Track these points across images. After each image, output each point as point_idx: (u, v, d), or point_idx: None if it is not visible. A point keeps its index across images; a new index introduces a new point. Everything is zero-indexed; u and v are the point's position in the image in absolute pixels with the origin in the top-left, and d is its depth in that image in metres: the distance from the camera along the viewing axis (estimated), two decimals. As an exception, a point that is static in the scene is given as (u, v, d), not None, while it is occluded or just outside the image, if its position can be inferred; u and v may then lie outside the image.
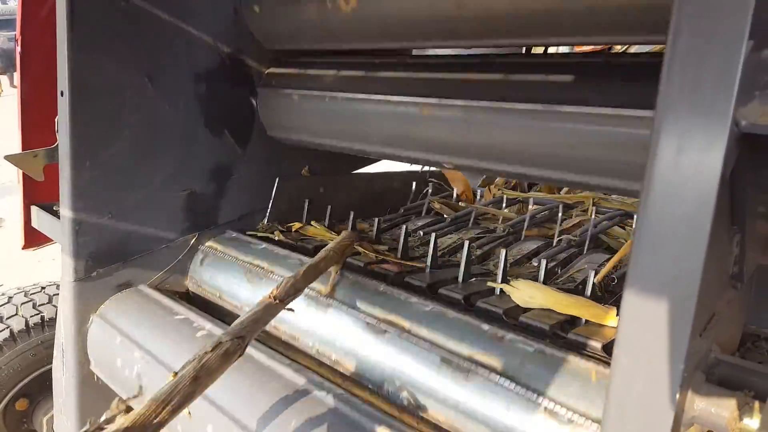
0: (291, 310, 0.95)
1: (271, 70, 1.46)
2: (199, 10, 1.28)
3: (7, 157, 1.23)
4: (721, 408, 0.56)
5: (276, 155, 1.52)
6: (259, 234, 1.43)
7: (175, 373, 0.75)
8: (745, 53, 0.43)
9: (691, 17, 0.43)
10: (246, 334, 0.84)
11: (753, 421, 0.56)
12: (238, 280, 1.23)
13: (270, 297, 0.93)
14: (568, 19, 0.81)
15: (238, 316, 1.20)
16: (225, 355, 0.79)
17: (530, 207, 1.76)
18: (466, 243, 1.13)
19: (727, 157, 0.40)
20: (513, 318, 0.95)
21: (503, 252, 1.06)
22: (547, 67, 0.97)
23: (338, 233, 1.47)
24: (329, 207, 1.53)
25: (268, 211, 1.50)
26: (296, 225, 1.50)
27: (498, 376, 0.83)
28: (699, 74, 0.41)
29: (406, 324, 0.97)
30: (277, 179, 1.51)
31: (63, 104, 1.14)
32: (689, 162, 0.40)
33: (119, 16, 1.17)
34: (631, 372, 0.48)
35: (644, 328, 0.46)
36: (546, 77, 0.94)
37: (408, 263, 1.20)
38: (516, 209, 1.79)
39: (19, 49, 1.36)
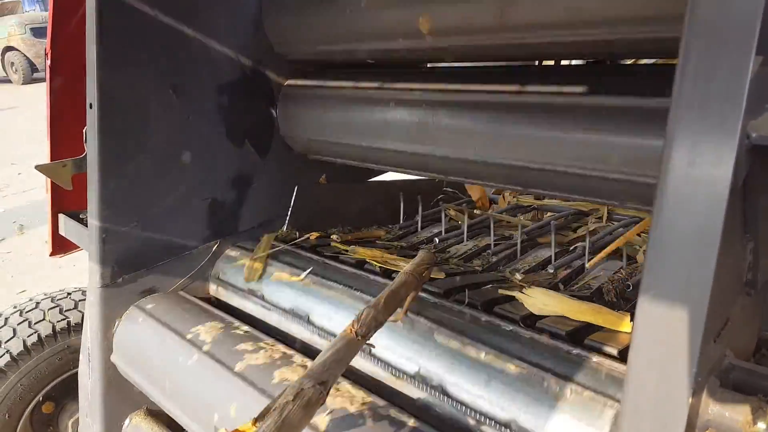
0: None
1: (290, 81, 1.50)
2: (221, 26, 1.32)
3: (38, 167, 1.27)
4: (735, 412, 0.57)
5: (294, 164, 1.55)
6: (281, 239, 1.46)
7: (255, 421, 0.70)
8: (753, 69, 0.45)
9: (700, 35, 0.45)
10: (328, 378, 0.76)
11: (767, 426, 0.57)
12: (257, 286, 1.26)
13: (350, 332, 0.83)
14: (587, 36, 0.84)
15: (261, 321, 1.24)
16: (307, 405, 0.71)
17: (546, 215, 1.78)
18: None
19: (737, 168, 0.42)
20: (530, 324, 0.97)
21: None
22: (562, 78, 0.99)
23: (353, 241, 1.50)
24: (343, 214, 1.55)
25: (288, 218, 1.54)
26: (314, 235, 1.53)
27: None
28: (708, 90, 0.42)
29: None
30: (295, 187, 1.54)
31: (92, 116, 1.18)
32: (700, 174, 0.42)
33: (146, 32, 1.21)
34: (646, 376, 0.50)
35: (658, 333, 0.48)
36: (561, 89, 0.96)
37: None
38: (531, 216, 1.80)
39: (48, 62, 1.41)
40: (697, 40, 0.44)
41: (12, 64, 13.20)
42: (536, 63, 1.23)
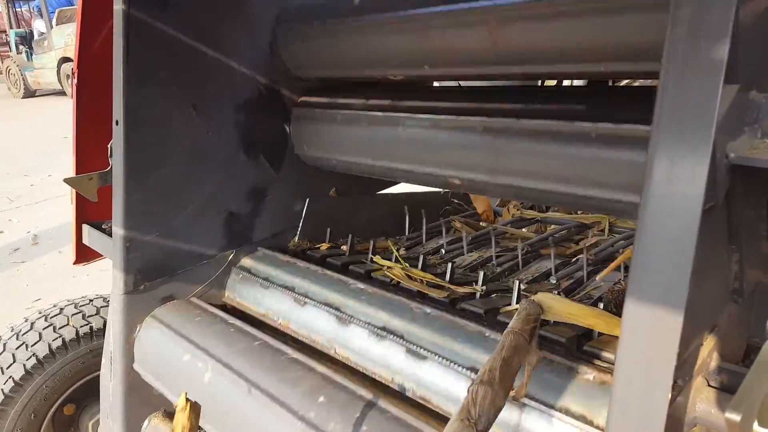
0: None
1: (303, 98, 1.57)
2: (239, 46, 1.39)
3: (66, 180, 1.34)
4: (720, 409, 0.62)
5: (306, 177, 1.62)
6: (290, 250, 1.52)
7: None
8: (724, 96, 0.50)
9: (676, 65, 0.51)
10: None
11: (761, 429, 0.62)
12: (273, 294, 1.32)
13: (467, 422, 0.64)
14: (581, 57, 0.90)
15: (272, 327, 1.30)
16: None
17: (549, 227, 1.83)
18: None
19: (710, 185, 0.47)
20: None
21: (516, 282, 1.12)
22: (561, 98, 1.05)
23: (366, 249, 1.55)
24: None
25: (299, 229, 1.60)
26: (324, 246, 1.59)
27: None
28: (683, 115, 0.48)
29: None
30: (307, 200, 1.61)
31: (117, 132, 1.25)
32: (677, 191, 0.48)
33: (169, 53, 1.29)
34: (631, 373, 0.55)
35: (642, 335, 0.53)
36: (560, 107, 1.02)
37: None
38: (534, 229, 1.86)
39: (75, 81, 1.49)
40: (673, 70, 0.50)
41: (68, 76, 12.52)
42: (540, 84, 1.29)
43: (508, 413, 0.88)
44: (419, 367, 1.02)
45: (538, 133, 1.03)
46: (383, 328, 1.10)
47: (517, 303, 1.12)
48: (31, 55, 13.16)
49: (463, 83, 1.45)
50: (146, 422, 1.31)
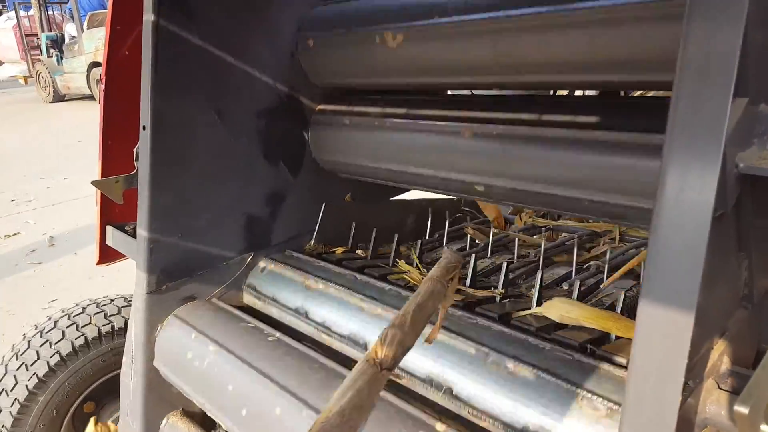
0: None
1: (322, 106, 1.61)
2: (261, 55, 1.44)
3: (94, 182, 1.39)
4: (729, 411, 0.64)
5: (323, 183, 1.66)
6: (308, 252, 1.56)
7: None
8: (733, 109, 0.53)
9: (689, 78, 0.54)
10: None
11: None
12: (292, 295, 1.36)
13: (372, 361, 0.67)
14: (592, 68, 0.93)
15: (290, 327, 1.33)
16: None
17: (561, 235, 1.85)
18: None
19: (720, 194, 0.50)
20: (546, 335, 1.04)
21: (539, 274, 1.15)
22: (575, 108, 1.08)
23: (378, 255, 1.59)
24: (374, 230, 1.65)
25: (315, 233, 1.63)
26: (339, 250, 1.63)
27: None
28: (694, 126, 0.51)
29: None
30: (323, 205, 1.64)
31: (144, 137, 1.30)
32: (688, 199, 0.50)
33: (195, 61, 1.33)
34: (644, 374, 0.57)
35: (654, 338, 0.55)
36: (574, 117, 1.05)
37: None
38: (546, 236, 1.88)
39: (103, 86, 1.54)
40: (686, 83, 0.53)
41: (97, 81, 11.87)
42: (552, 93, 1.33)
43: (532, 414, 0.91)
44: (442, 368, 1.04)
45: (554, 140, 1.06)
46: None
47: (535, 307, 1.14)
48: (62, 59, 12.88)
49: (476, 92, 1.49)
50: (164, 420, 1.34)
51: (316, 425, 0.61)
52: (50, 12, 14.35)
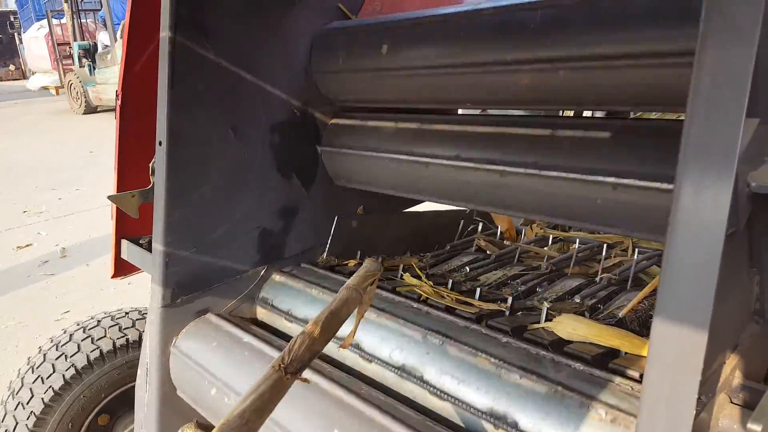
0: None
1: (334, 121, 1.63)
2: (275, 72, 1.47)
3: (110, 197, 1.42)
4: (741, 425, 0.65)
5: (336, 196, 1.68)
6: (320, 266, 1.57)
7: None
8: (746, 129, 0.54)
9: (702, 99, 0.56)
10: None
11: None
12: (305, 307, 1.37)
13: (278, 367, 0.70)
14: (604, 91, 0.95)
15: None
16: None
17: (572, 246, 1.85)
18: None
19: (733, 213, 0.51)
20: (558, 349, 1.05)
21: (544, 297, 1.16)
22: (583, 128, 1.09)
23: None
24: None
25: (328, 246, 1.65)
26: (352, 263, 1.64)
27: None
28: (708, 147, 0.52)
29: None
30: (335, 218, 1.66)
31: (160, 152, 1.32)
32: (702, 217, 0.51)
33: (210, 77, 1.36)
34: (659, 389, 0.58)
35: (669, 353, 0.56)
36: (584, 134, 1.07)
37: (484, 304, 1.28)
38: (557, 248, 1.88)
39: (119, 102, 1.57)
40: (699, 105, 0.54)
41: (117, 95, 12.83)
42: (560, 113, 1.34)
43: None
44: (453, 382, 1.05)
45: (563, 155, 1.07)
46: (411, 340, 1.14)
47: (545, 322, 1.15)
48: (94, 69, 12.43)
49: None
50: (180, 432, 1.35)
51: (217, 428, 0.65)
52: (83, 20, 13.85)
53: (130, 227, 1.58)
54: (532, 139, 1.19)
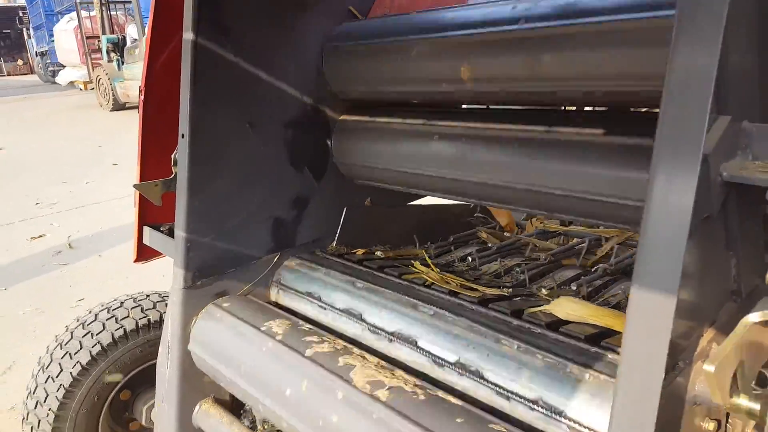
0: None
1: (344, 117, 1.71)
2: (289, 70, 1.55)
3: (136, 186, 1.51)
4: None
5: (345, 188, 1.76)
6: (329, 253, 1.66)
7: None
8: (715, 125, 0.62)
9: (673, 94, 0.63)
10: None
11: (741, 399, 0.72)
12: (316, 290, 1.46)
13: None
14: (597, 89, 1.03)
15: (315, 321, 1.43)
16: None
17: (572, 240, 1.93)
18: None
19: (706, 200, 0.59)
20: (554, 328, 1.13)
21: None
22: (582, 121, 1.17)
23: (398, 256, 1.68)
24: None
25: (337, 235, 1.74)
26: (360, 251, 1.73)
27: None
28: (678, 138, 0.60)
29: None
30: (344, 209, 1.75)
31: (183, 145, 1.41)
32: (672, 202, 0.59)
33: (229, 76, 1.44)
34: (634, 355, 0.66)
35: (643, 324, 0.64)
36: (579, 130, 1.15)
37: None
38: (556, 242, 1.96)
39: (142, 97, 1.66)
40: (671, 99, 0.62)
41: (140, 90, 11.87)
42: (562, 108, 1.42)
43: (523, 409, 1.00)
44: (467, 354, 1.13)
45: (561, 150, 1.15)
46: (418, 321, 1.23)
47: (541, 306, 1.23)
48: (122, 64, 11.85)
49: (494, 106, 1.58)
50: (197, 407, 1.45)
51: None
52: (113, 12, 13.04)
53: (151, 215, 1.67)
54: (532, 135, 1.27)
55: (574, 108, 1.34)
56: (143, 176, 1.64)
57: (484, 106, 1.54)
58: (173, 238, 1.43)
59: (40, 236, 4.90)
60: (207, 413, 1.43)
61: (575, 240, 1.91)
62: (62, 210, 5.69)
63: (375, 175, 1.68)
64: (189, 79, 1.39)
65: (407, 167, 1.56)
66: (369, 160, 1.65)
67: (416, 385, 1.04)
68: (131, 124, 11.13)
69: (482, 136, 1.38)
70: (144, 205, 1.62)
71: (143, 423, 1.62)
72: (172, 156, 1.54)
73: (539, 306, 1.25)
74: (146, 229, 1.63)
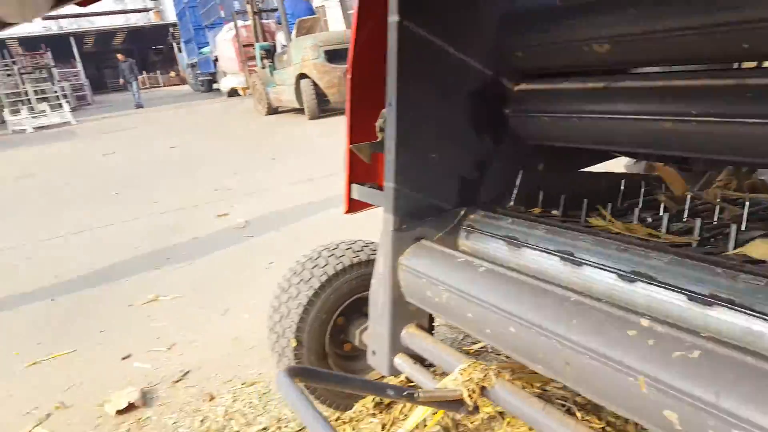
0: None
1: (521, 86, 1.89)
2: (472, 45, 1.76)
3: (352, 147, 1.85)
4: None
5: (520, 153, 1.94)
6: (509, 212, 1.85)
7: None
8: None
9: None
10: None
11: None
12: (498, 243, 1.68)
13: None
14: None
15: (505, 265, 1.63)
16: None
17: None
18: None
19: None
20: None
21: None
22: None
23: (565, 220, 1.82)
24: (563, 197, 1.89)
25: (513, 196, 1.93)
26: (536, 210, 1.90)
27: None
28: None
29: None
30: (519, 171, 1.93)
31: (391, 111, 1.69)
32: None
33: (425, 53, 1.70)
34: None
35: None
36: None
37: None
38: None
39: (349, 76, 1.99)
40: None
41: (313, 87, 10.88)
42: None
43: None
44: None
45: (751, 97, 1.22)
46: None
47: (735, 249, 1.29)
48: (273, 70, 12.29)
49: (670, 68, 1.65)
50: (404, 330, 1.74)
51: None
52: (265, 21, 13.73)
53: (357, 174, 2.01)
54: (718, 88, 1.34)
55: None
56: (351, 141, 1.97)
57: (667, 67, 1.62)
58: (383, 189, 1.74)
59: (225, 214, 5.74)
60: (411, 334, 1.72)
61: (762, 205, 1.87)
62: (237, 195, 6.57)
63: (551, 137, 1.83)
64: (395, 56, 1.67)
65: (585, 131, 1.69)
66: (545, 126, 1.81)
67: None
68: (283, 126, 12.01)
69: (665, 92, 1.47)
70: (354, 165, 1.96)
71: (356, 343, 1.97)
72: (377, 124, 1.85)
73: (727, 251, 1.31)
74: (355, 186, 1.97)
